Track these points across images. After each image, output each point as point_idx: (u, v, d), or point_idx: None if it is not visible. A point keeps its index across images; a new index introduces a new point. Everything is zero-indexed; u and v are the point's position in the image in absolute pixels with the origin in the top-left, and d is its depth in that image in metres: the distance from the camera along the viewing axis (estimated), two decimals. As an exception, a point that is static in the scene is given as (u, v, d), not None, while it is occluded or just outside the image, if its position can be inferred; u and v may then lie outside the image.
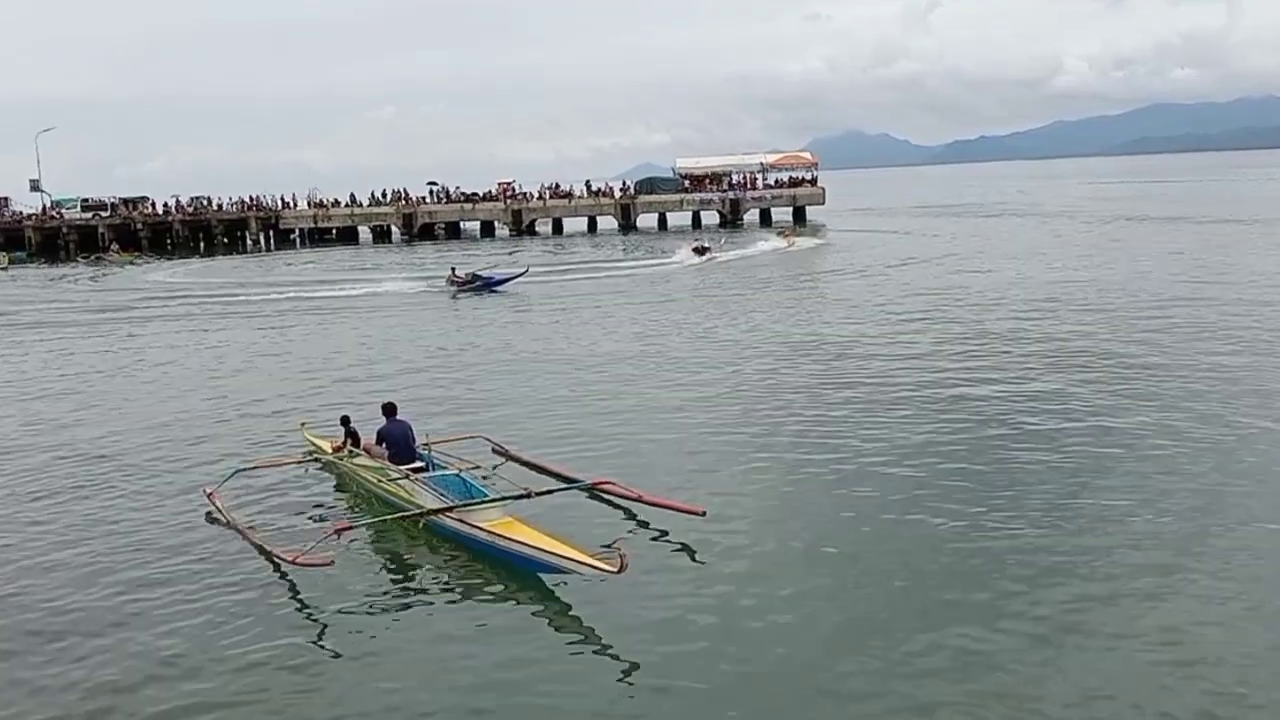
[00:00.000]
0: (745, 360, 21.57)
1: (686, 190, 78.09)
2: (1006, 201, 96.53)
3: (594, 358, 22.89)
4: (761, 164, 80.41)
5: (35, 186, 78.58)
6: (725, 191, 77.42)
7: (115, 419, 18.52)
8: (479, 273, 38.47)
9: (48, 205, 76.46)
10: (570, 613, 9.55)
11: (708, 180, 79.05)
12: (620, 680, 8.37)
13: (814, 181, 78.52)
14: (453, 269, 39.92)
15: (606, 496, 12.46)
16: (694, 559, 10.72)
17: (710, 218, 76.55)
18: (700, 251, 46.89)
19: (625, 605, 9.55)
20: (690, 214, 77.11)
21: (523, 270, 39.26)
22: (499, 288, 36.96)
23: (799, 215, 74.87)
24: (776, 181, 78.90)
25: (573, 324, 28.48)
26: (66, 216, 73.79)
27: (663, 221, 76.61)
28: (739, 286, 36.09)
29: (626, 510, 12.13)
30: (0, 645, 9.39)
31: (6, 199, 76.54)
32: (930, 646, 8.66)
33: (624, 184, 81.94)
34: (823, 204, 76.80)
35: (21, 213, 75.29)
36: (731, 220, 74.65)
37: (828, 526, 11.51)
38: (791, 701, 8.01)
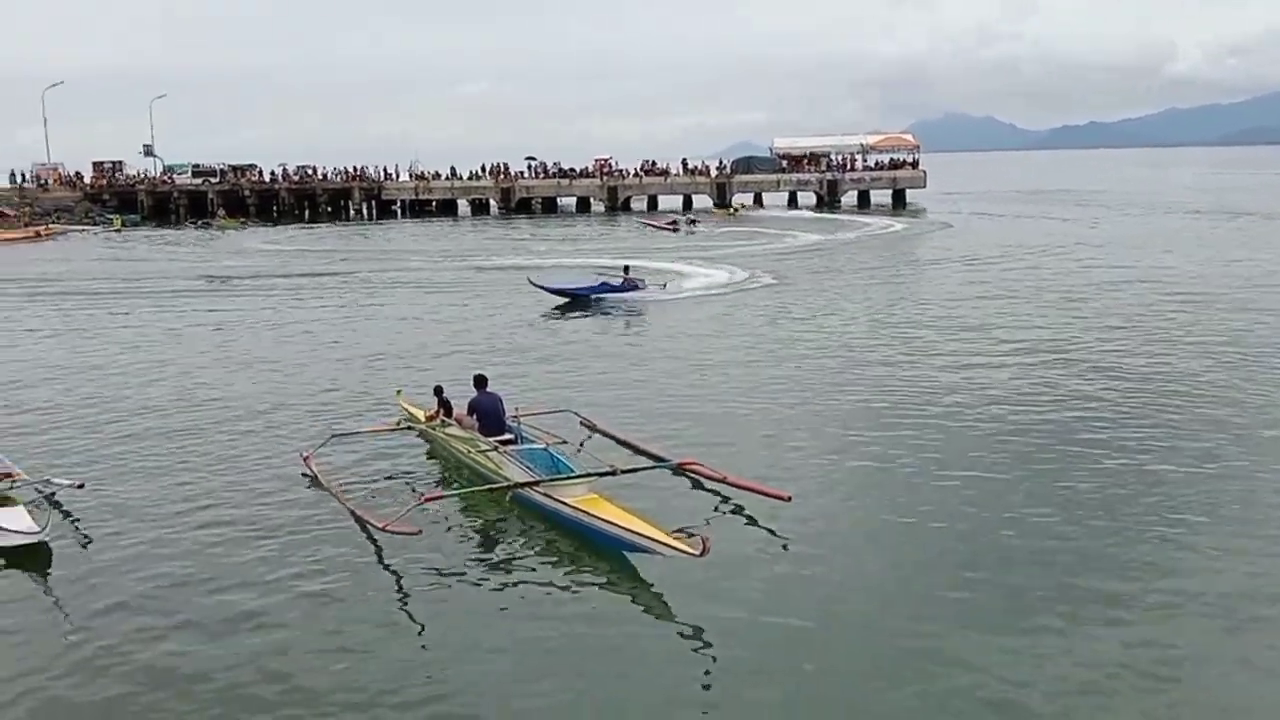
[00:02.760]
0: (838, 346, 21.31)
1: (783, 170, 77.37)
2: (1125, 190, 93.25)
3: (681, 340, 22.88)
4: (861, 145, 79.29)
5: (148, 151, 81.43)
6: (823, 172, 76.52)
7: (228, 379, 19.09)
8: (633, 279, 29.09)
9: (160, 170, 79.05)
10: (651, 592, 9.55)
11: (805, 161, 78.21)
12: (698, 663, 8.36)
13: (915, 164, 77.20)
14: (625, 268, 30.17)
15: (692, 476, 12.44)
16: (778, 544, 10.64)
17: (807, 198, 75.83)
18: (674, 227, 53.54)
19: (707, 588, 9.51)
20: (786, 194, 76.48)
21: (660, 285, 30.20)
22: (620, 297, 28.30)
23: (899, 198, 73.73)
24: (876, 164, 77.73)
25: (663, 305, 28.42)
26: (178, 182, 76.16)
27: (759, 201, 76.05)
28: (833, 271, 35.67)
29: (711, 491, 12.08)
30: (103, 595, 9.75)
31: (120, 163, 79.31)
32: (1018, 639, 8.48)
33: (720, 163, 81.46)
34: (924, 187, 75.52)
35: (135, 177, 77.93)
36: (829, 202, 73.79)
37: (916, 519, 11.29)
38: (873, 693, 7.91)
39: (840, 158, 78.10)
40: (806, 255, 41.23)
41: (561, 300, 28.07)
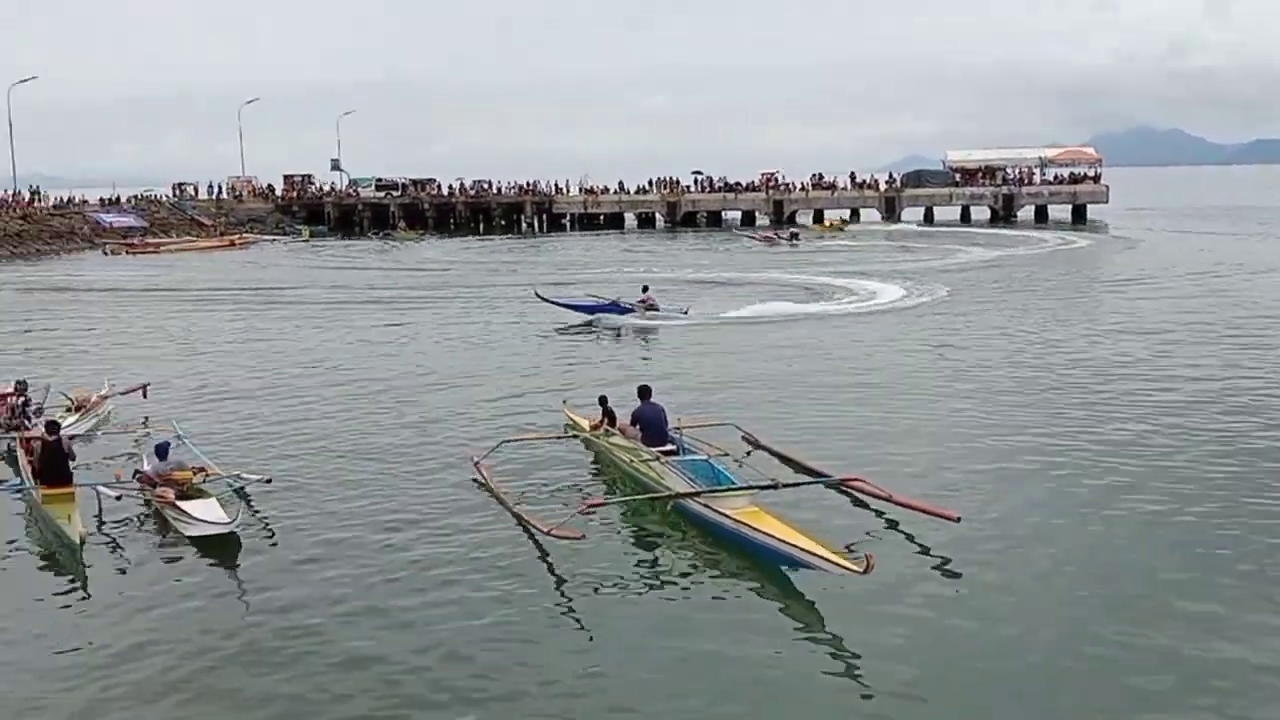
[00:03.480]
0: (1010, 366, 20.63)
1: (956, 184, 75.40)
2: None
3: (847, 356, 22.57)
4: (1040, 159, 76.67)
5: (335, 166, 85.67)
6: (999, 186, 74.22)
7: (405, 384, 19.89)
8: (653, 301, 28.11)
9: (345, 184, 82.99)
10: (812, 609, 9.44)
11: (980, 174, 76.03)
12: (858, 683, 8.21)
13: (1097, 178, 74.08)
14: (644, 287, 29.38)
15: (856, 494, 12.25)
16: (944, 565, 10.36)
17: (980, 213, 73.65)
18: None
19: (868, 606, 9.35)
20: (959, 208, 74.47)
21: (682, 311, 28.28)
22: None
23: (1079, 214, 70.88)
24: (1056, 177, 74.94)
25: (829, 320, 28.11)
26: (362, 195, 79.79)
27: (929, 215, 74.34)
28: (1008, 289, 34.53)
29: (875, 509, 11.87)
30: (284, 586, 10.29)
31: (309, 176, 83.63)
32: (1196, 677, 8.02)
33: (890, 176, 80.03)
34: (1105, 202, 72.44)
35: (323, 189, 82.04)
36: (1004, 216, 71.53)
37: (1088, 548, 10.83)
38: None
39: (1017, 171, 75.61)
40: (982, 270, 40.02)
41: (679, 318, 27.46)
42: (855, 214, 74.05)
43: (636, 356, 22.39)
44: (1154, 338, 23.26)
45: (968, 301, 30.86)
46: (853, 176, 79.06)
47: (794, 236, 57.06)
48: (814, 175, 79.34)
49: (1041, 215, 71.35)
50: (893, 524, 11.46)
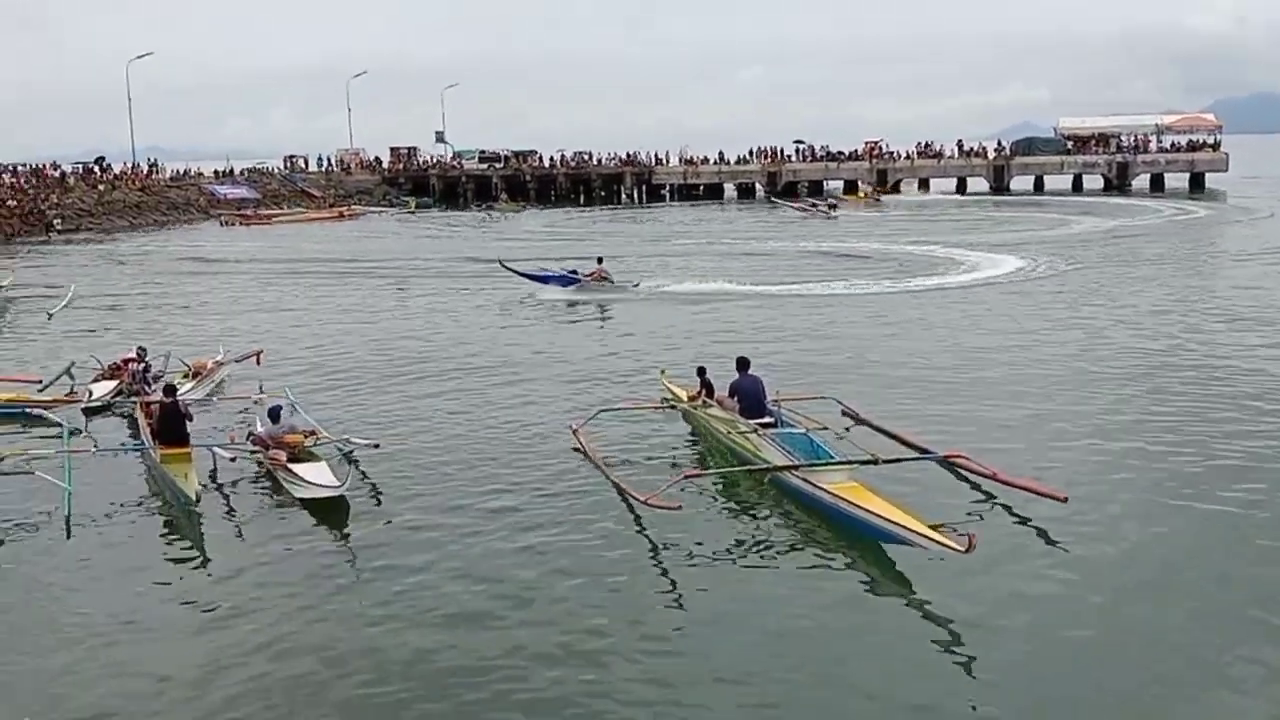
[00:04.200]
0: (1124, 340, 19.99)
1: (1068, 151, 73.08)
2: None
3: (952, 330, 22.14)
4: (1156, 125, 73.82)
5: (440, 138, 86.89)
6: (1113, 154, 71.72)
7: (510, 350, 20.20)
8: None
9: (449, 156, 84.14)
10: (911, 587, 9.33)
11: (1093, 141, 73.57)
12: (957, 663, 8.10)
13: (1216, 146, 71.05)
14: (599, 259, 29.20)
15: (959, 470, 12.02)
16: (1050, 546, 10.12)
17: (1093, 181, 71.31)
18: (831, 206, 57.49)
19: (970, 586, 9.20)
20: (1071, 177, 72.23)
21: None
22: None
23: (1196, 182, 68.13)
24: (1173, 145, 72.05)
25: (932, 295, 27.58)
26: (465, 167, 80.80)
27: (1039, 185, 72.28)
28: (1124, 262, 33.39)
29: (978, 488, 11.64)
30: (392, 547, 10.56)
31: (415, 149, 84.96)
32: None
33: (999, 144, 77.90)
34: (1225, 170, 69.39)
35: (429, 161, 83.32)
36: (1118, 185, 69.16)
37: (1202, 531, 10.47)
38: (1139, 712, 7.42)
39: (1132, 139, 72.96)
40: (1095, 242, 38.76)
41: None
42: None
43: (737, 330, 22.27)
44: (1271, 312, 22.26)
45: (1080, 274, 29.96)
46: (960, 144, 77.23)
47: (832, 207, 58.52)
48: (919, 144, 77.74)
49: (1157, 184, 68.80)
50: (997, 503, 11.23)
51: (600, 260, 28.72)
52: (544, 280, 27.85)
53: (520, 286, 27.98)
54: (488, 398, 16.56)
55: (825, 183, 75.72)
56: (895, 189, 72.71)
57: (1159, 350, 18.93)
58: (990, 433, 13.75)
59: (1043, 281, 28.76)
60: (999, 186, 70.75)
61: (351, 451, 13.24)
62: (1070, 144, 74.10)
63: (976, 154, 75.35)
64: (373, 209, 69.97)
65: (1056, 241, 39.05)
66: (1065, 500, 10.64)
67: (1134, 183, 69.48)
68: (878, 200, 65.59)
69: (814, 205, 59.63)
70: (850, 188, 73.33)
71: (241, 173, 75.69)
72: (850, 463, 11.37)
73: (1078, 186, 71.41)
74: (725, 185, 77.75)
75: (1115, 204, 57.83)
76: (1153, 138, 72.93)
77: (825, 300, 26.33)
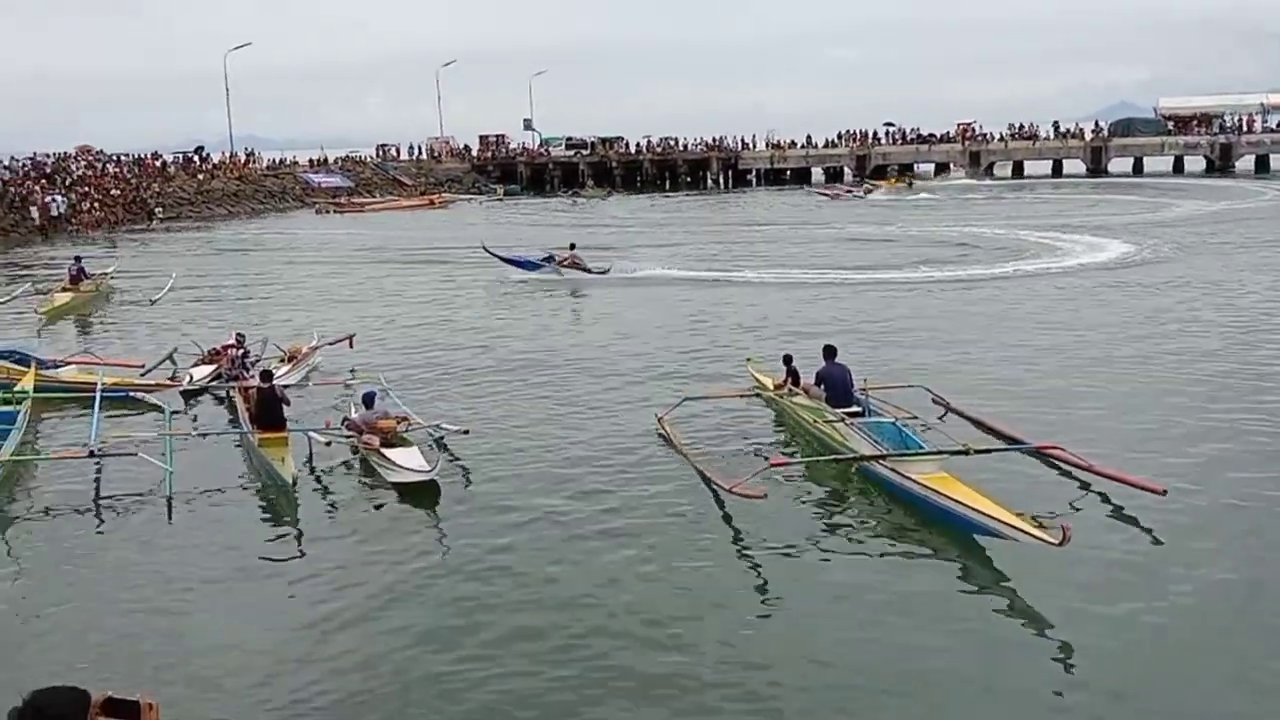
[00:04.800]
0: (1227, 331, 19.29)
1: (1169, 133, 70.71)
2: None
3: (1048, 317, 21.63)
4: (1262, 105, 70.92)
5: (528, 125, 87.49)
6: (1215, 135, 69.19)
7: (598, 341, 20.30)
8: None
9: (537, 143, 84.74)
10: (1002, 579, 9.17)
11: (1195, 122, 71.06)
12: (1048, 655, 7.94)
13: (1327, 125, 68.01)
14: (571, 245, 29.72)
15: (1053, 462, 11.76)
16: (1147, 540, 9.86)
17: (1195, 163, 68.93)
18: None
19: (1063, 580, 8.99)
20: (1172, 159, 69.89)
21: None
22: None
23: (1307, 163, 65.34)
24: (1279, 125, 69.21)
25: (1027, 280, 26.96)
26: (553, 154, 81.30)
27: (1138, 166, 70.08)
28: (1230, 248, 32.19)
29: (1073, 479, 11.37)
30: (481, 531, 10.71)
31: (503, 136, 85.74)
32: None
33: (1096, 125, 75.69)
34: (1336, 150, 66.42)
35: (517, 149, 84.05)
36: (1221, 166, 66.72)
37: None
38: (1238, 711, 7.18)
39: (1236, 118, 70.29)
40: (1197, 226, 37.44)
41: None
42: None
43: (823, 319, 22.06)
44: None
45: (1183, 260, 29.00)
46: (1056, 126, 75.24)
47: (868, 192, 59.47)
48: (1013, 125, 75.95)
49: (1263, 165, 66.13)
50: (1092, 496, 10.95)
51: (573, 246, 29.50)
52: (519, 264, 28.90)
53: (594, 278, 28.16)
54: (573, 384, 16.67)
55: (915, 165, 74.46)
56: (990, 170, 71.18)
57: (1266, 341, 18.22)
58: (1085, 423, 13.40)
59: (1144, 268, 27.88)
60: (1096, 169, 68.79)
61: (442, 437, 13.45)
62: (1171, 124, 71.73)
63: (1073, 135, 73.35)
64: (462, 197, 70.73)
65: (1158, 225, 37.84)
66: (1164, 493, 10.33)
67: (1238, 164, 67.01)
68: (909, 185, 64.78)
69: (848, 190, 60.17)
70: (941, 170, 72.06)
71: (335, 161, 77.17)
72: (940, 453, 11.19)
73: (1179, 168, 69.08)
74: (813, 169, 76.94)
75: (1219, 186, 55.81)
76: (1258, 117, 70.17)
77: (910, 286, 25.94)
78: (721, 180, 77.24)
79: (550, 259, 28.57)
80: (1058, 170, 70.62)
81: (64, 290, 26.73)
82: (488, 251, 29.96)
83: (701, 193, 71.76)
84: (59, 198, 50.51)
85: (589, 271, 28.47)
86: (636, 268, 29.48)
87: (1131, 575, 9.17)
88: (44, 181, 52.25)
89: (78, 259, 28.66)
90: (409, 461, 12.11)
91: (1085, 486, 11.16)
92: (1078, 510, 10.60)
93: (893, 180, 67.14)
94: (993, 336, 19.36)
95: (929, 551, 9.89)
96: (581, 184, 74.85)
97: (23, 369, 16.54)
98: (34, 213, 48.49)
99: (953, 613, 8.70)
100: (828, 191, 61.30)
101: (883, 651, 8.09)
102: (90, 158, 61.07)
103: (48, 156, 59.12)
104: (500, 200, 68.72)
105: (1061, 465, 11.63)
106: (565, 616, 8.75)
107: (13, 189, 49.95)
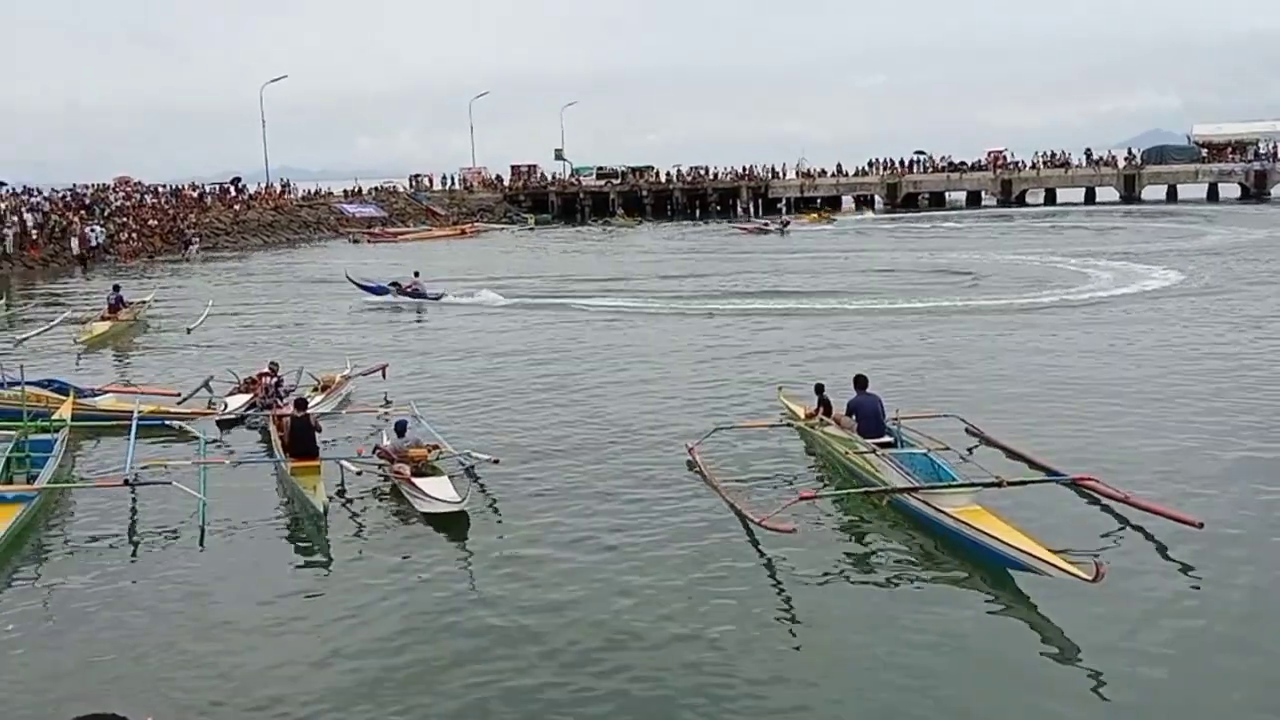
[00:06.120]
0: (1268, 365, 19.02)
1: (1202, 160, 70.21)
2: None
3: (1080, 346, 21.45)
4: (1296, 131, 70.37)
5: (559, 155, 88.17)
6: (1250, 162, 68.63)
7: (623, 371, 20.33)
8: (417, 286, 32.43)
9: (568, 173, 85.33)
10: (1036, 616, 9.04)
11: (1230, 149, 70.54)
12: (1082, 692, 7.81)
13: (1365, 151, 67.29)
14: (415, 273, 33.51)
15: (1089, 494, 11.63)
16: (1183, 575, 9.70)
17: (1230, 190, 68.35)
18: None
19: (1098, 616, 8.86)
20: (1206, 186, 69.37)
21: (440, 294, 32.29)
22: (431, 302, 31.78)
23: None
24: (1316, 152, 68.64)
25: (1059, 310, 26.79)
26: (584, 183, 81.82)
27: (1172, 194, 69.61)
28: (1268, 278, 31.83)
29: (1110, 511, 11.23)
30: (509, 564, 10.72)
31: (534, 166, 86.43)
32: None
33: (1129, 152, 75.32)
34: (1374, 178, 65.71)
35: (549, 179, 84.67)
36: (1256, 193, 66.11)
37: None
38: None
39: (1272, 145, 69.72)
40: (1234, 254, 37.07)
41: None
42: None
43: (850, 348, 21.99)
44: None
45: (1212, 289, 28.71)
46: (1088, 153, 74.93)
47: (785, 225, 59.97)
48: (1044, 153, 75.71)
49: (1298, 193, 65.63)
50: (1128, 527, 10.82)
51: (416, 274, 33.28)
52: (368, 290, 32.86)
53: (623, 301, 28.47)
54: (604, 415, 16.67)
55: (947, 194, 74.31)
56: (1022, 198, 70.83)
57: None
58: (1119, 454, 13.25)
59: (1179, 298, 27.61)
60: (1129, 196, 68.39)
61: (472, 466, 13.49)
62: (1205, 152, 71.26)
63: (1106, 163, 73.01)
64: (494, 226, 71.29)
65: (1193, 253, 37.50)
66: (1201, 526, 10.19)
67: (1274, 191, 66.38)
68: (830, 220, 65.91)
69: (766, 225, 60.13)
70: (973, 199, 71.86)
71: (369, 192, 78.01)
72: (973, 485, 11.08)
73: (1213, 195, 68.58)
74: (843, 197, 76.96)
75: (1254, 213, 55.24)
76: (1293, 144, 69.69)
77: (939, 314, 25.83)
78: (752, 209, 77.45)
79: (395, 285, 32.39)
80: (1090, 198, 70.22)
81: (102, 319, 27.10)
82: (349, 279, 33.56)
83: (732, 222, 71.78)
84: (97, 228, 51.39)
85: (426, 297, 31.78)
86: (464, 297, 32.21)
87: (1166, 609, 9.03)
88: (83, 212, 53.21)
89: (116, 288, 29.07)
90: (439, 492, 12.15)
91: (1122, 518, 11.02)
92: (1113, 543, 10.47)
93: (813, 215, 68.18)
94: (1025, 365, 19.20)
95: (962, 586, 9.78)
96: (612, 213, 75.26)
97: (61, 397, 16.77)
98: (73, 243, 49.34)
99: (984, 647, 8.60)
100: (747, 226, 61.13)
101: (913, 684, 8.00)
102: (128, 189, 62.20)
103: (87, 188, 60.29)
104: (531, 229, 69.12)
105: (1097, 496, 11.50)
106: (590, 649, 8.71)
107: (53, 219, 50.84)
